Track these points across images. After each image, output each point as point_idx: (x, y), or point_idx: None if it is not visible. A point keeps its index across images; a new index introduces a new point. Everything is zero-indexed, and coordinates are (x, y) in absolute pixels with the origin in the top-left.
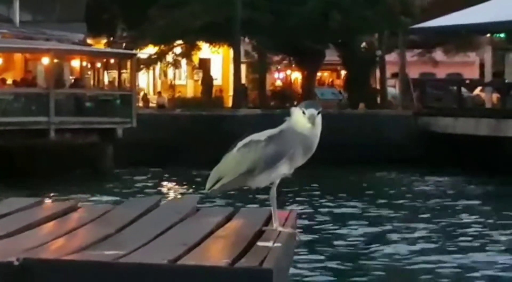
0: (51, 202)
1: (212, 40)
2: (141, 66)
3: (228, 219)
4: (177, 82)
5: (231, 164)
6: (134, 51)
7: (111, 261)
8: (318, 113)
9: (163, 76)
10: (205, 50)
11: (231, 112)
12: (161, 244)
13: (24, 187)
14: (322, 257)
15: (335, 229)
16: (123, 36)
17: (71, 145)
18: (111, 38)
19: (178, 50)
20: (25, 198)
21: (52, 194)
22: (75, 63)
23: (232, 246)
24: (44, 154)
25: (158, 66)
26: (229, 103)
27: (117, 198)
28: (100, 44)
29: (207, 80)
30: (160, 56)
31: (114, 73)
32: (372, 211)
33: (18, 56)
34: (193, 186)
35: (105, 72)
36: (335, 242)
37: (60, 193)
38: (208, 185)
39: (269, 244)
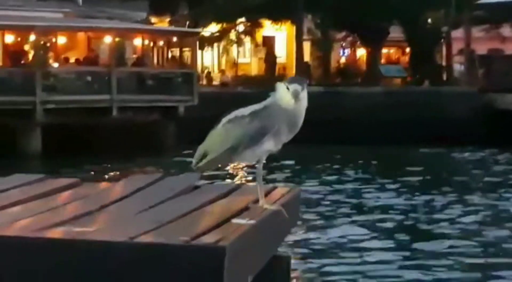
0: (54, 179)
1: (275, 17)
2: (204, 44)
3: (224, 196)
4: (241, 60)
5: (216, 140)
6: (195, 29)
7: (64, 238)
8: (303, 89)
9: (227, 54)
10: (269, 28)
11: None
12: (135, 221)
13: (86, 164)
14: (382, 231)
15: (393, 208)
16: (186, 14)
17: (133, 123)
18: (174, 16)
19: (241, 28)
20: (31, 174)
21: (113, 172)
22: (137, 41)
23: (204, 223)
24: (107, 132)
25: (222, 44)
26: None
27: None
28: (164, 23)
29: (271, 58)
30: (223, 34)
31: (177, 52)
32: (433, 189)
33: (81, 35)
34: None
35: (167, 50)
36: (394, 218)
37: (121, 171)
38: (194, 162)
39: (243, 221)
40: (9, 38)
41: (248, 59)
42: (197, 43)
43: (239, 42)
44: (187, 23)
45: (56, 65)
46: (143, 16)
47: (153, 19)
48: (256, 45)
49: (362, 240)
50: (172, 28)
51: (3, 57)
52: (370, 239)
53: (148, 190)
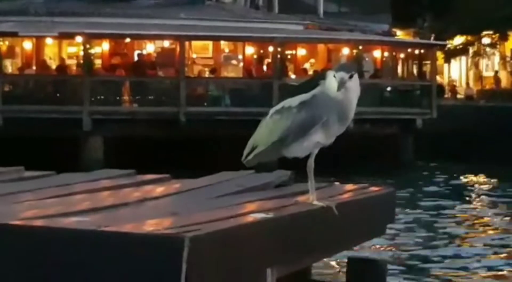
0: (143, 175)
1: None
2: (450, 57)
3: (298, 194)
4: (489, 73)
5: (264, 132)
6: (439, 42)
7: (40, 225)
8: (350, 76)
9: (474, 67)
10: None
11: None
12: (155, 212)
13: (323, 175)
14: None
15: None
16: (429, 26)
17: (370, 135)
18: (417, 29)
19: (486, 40)
20: (119, 169)
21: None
22: (377, 53)
23: (207, 217)
24: (343, 144)
25: (469, 57)
26: None
27: (415, 191)
28: (408, 35)
29: None
30: (466, 46)
31: (418, 64)
32: None
33: (321, 47)
34: (496, 180)
35: (409, 62)
36: None
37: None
38: (244, 156)
39: (260, 215)
40: (250, 50)
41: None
42: (437, 55)
43: (485, 55)
44: (432, 35)
45: (293, 76)
46: (385, 28)
47: (398, 32)
48: (503, 58)
49: None
50: (413, 40)
51: (243, 68)
52: None
53: (214, 185)
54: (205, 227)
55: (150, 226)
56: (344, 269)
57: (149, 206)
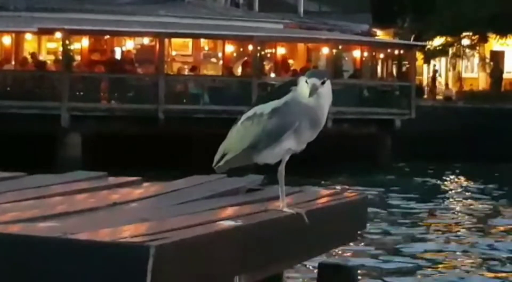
0: (115, 178)
1: (501, 31)
2: (429, 57)
3: (269, 199)
4: (468, 75)
5: (235, 139)
6: (418, 43)
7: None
8: (322, 83)
9: (452, 69)
10: (496, 42)
11: None
12: (124, 219)
13: (301, 174)
14: None
15: None
16: (409, 26)
17: (348, 135)
18: (397, 29)
19: (465, 41)
20: (94, 172)
21: (325, 183)
22: (357, 53)
23: (175, 224)
24: (321, 144)
25: (448, 58)
26: None
27: (392, 192)
28: (388, 35)
29: (496, 73)
30: (446, 47)
31: (398, 64)
32: None
33: (301, 46)
34: (474, 181)
35: (388, 63)
36: None
37: (335, 183)
38: (214, 161)
39: (230, 223)
40: (229, 48)
41: (476, 74)
42: (417, 56)
43: (464, 56)
44: (413, 36)
45: (273, 75)
46: (365, 28)
47: (378, 32)
48: (483, 60)
49: None
50: (393, 40)
51: (223, 66)
52: None
53: (185, 190)
54: (172, 235)
55: (118, 233)
56: (315, 275)
57: (118, 211)
